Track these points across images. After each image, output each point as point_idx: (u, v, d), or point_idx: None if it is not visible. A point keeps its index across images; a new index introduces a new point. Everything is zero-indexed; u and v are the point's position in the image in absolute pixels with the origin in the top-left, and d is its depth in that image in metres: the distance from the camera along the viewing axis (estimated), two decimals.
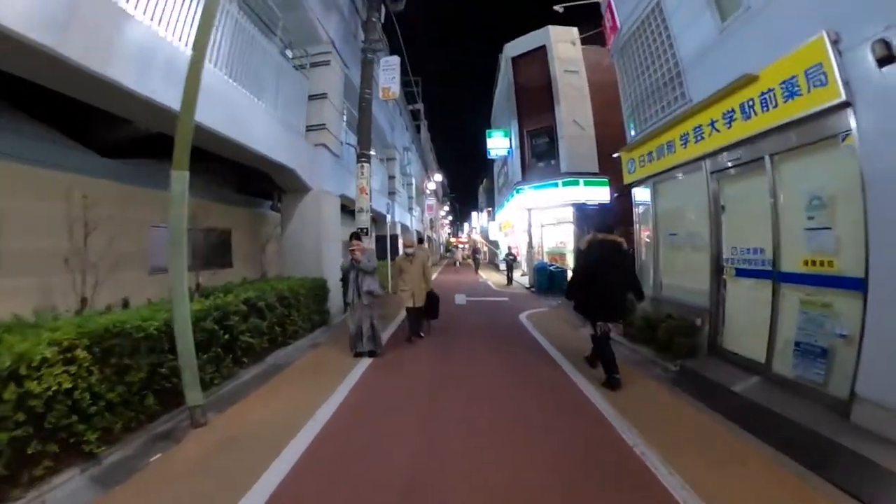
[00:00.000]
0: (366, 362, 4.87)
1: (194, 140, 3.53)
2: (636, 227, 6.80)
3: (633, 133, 6.56)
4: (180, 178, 3.46)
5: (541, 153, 14.97)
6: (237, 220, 7.64)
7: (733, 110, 4.27)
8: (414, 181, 24.81)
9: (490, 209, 44.50)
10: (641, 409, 3.57)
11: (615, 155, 6.98)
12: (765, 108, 3.89)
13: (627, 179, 6.60)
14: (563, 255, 14.30)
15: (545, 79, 14.55)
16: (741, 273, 4.33)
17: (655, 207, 5.83)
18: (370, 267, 5.00)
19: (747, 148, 4.19)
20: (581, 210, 13.60)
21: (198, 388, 3.57)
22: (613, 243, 4.41)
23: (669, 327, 4.91)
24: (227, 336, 4.51)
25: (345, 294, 5.42)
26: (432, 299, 6.32)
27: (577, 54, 14.61)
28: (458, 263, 34.94)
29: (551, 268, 12.41)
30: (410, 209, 23.42)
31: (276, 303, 5.40)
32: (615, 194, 13.88)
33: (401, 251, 15.48)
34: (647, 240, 6.32)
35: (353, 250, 4.94)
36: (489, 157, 16.95)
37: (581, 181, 13.54)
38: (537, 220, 14.69)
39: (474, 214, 66.01)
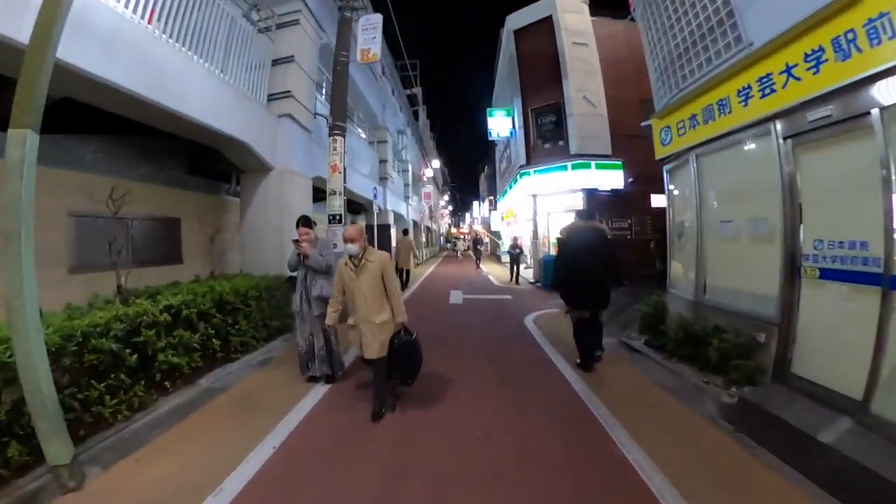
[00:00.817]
0: (319, 391, 3.79)
1: (100, 102, 2.49)
2: (668, 213, 5.66)
3: (663, 99, 5.37)
4: (18, 140, 2.38)
5: (547, 134, 13.75)
6: (189, 207, 6.54)
7: (821, 49, 3.11)
8: (411, 167, 23.60)
9: (491, 198, 43.19)
10: (702, 473, 2.50)
11: (645, 123, 5.80)
12: (874, 42, 2.75)
13: (660, 153, 5.43)
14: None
15: (551, 52, 13.26)
16: (829, 275, 3.20)
17: (700, 187, 4.67)
18: (322, 264, 3.84)
19: (843, 101, 3.04)
20: (592, 196, 12.44)
21: (63, 440, 2.58)
22: (594, 230, 4.41)
23: (723, 346, 3.81)
24: (136, 356, 3.47)
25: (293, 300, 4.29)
26: (408, 351, 3.48)
27: (587, 25, 13.34)
28: (460, 254, 33.89)
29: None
30: (407, 197, 22.25)
31: (212, 309, 4.32)
32: (629, 179, 12.77)
33: (394, 242, 14.49)
34: (684, 230, 5.19)
35: (297, 241, 3.82)
36: (490, 138, 15.71)
37: (593, 164, 12.39)
38: (544, 208, 13.50)
39: (475, 204, 64.76)
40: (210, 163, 6.58)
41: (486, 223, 47.74)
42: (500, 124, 15.33)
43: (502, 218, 21.88)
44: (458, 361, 4.76)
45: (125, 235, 5.35)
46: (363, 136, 13.60)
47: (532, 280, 12.63)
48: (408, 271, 12.03)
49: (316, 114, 6.71)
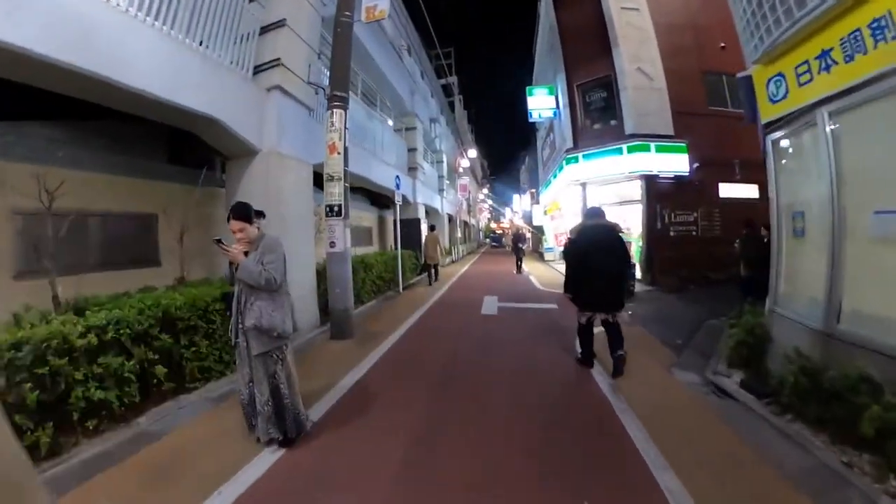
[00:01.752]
0: (266, 459, 2.70)
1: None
2: (773, 199, 4.16)
3: (765, 39, 3.81)
4: None
5: (597, 112, 12.17)
6: (168, 200, 5.82)
7: None
8: (445, 158, 22.54)
9: (533, 191, 41.23)
10: None
11: (741, 75, 4.30)
12: None
13: (769, 113, 3.92)
14: (627, 244, 11.53)
15: (597, 19, 11.70)
16: None
17: (836, 160, 3.17)
18: (259, 277, 2.60)
19: None
20: (652, 184, 10.76)
21: None
22: (605, 228, 4.37)
23: (888, 417, 2.39)
24: (40, 393, 2.68)
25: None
26: None
27: None
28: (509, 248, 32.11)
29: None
30: (441, 190, 21.23)
31: (154, 329, 3.45)
32: (694, 165, 10.98)
33: (422, 234, 13.54)
34: (804, 224, 3.70)
35: (219, 241, 2.73)
36: (530, 119, 14.25)
37: (652, 146, 10.74)
38: (594, 200, 11.95)
39: (515, 198, 62.75)
40: (194, 149, 5.81)
41: (527, 217, 45.76)
42: (542, 104, 13.84)
43: (545, 212, 20.27)
44: (489, 412, 3.42)
45: (70, 234, 4.61)
46: (390, 123, 12.69)
47: None
48: (436, 266, 12.28)
49: (311, 83, 5.72)
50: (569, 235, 4.57)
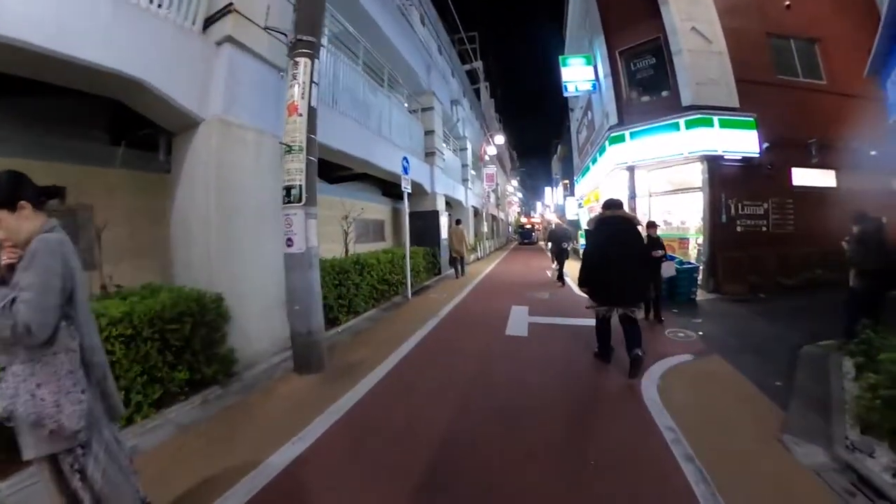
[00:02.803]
0: None
1: None
2: None
3: None
4: None
5: (644, 82, 10.42)
6: (110, 189, 4.75)
7: None
8: (470, 146, 21.06)
9: (566, 181, 38.99)
10: None
11: None
12: None
13: None
14: (683, 242, 9.76)
15: None
16: None
17: None
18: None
19: None
20: (716, 167, 8.99)
21: None
22: (624, 220, 4.36)
23: None
24: None
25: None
26: None
27: None
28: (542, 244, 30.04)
29: (677, 264, 7.95)
30: (465, 180, 19.80)
31: None
32: (764, 144, 9.14)
33: (443, 234, 12.26)
34: None
35: None
36: (565, 93, 12.55)
37: (715, 119, 8.96)
38: (643, 187, 10.24)
39: (547, 190, 60.26)
40: (146, 127, 4.68)
41: (560, 211, 43.48)
42: (578, 75, 12.11)
43: (581, 203, 18.48)
44: None
45: None
46: (402, 102, 11.38)
47: None
48: (462, 258, 12.77)
49: (269, 29, 4.39)
50: (586, 227, 4.48)
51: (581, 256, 4.60)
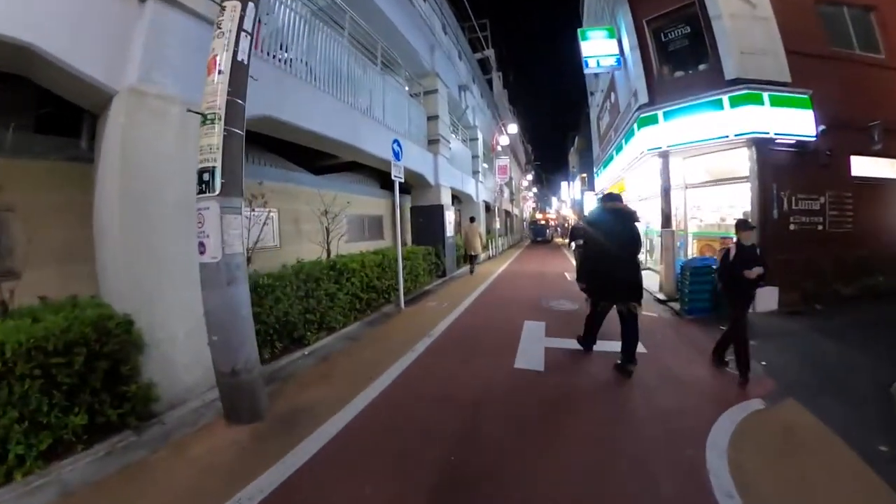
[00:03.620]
0: None
1: None
2: None
3: None
4: None
5: (678, 54, 9.17)
6: (34, 185, 3.87)
7: None
8: (481, 137, 19.93)
9: (584, 175, 37.45)
10: None
11: None
12: None
13: None
14: (724, 241, 8.48)
15: None
16: None
17: None
18: None
19: None
20: (766, 153, 7.73)
21: None
22: (621, 214, 4.31)
23: None
24: None
25: None
26: None
27: None
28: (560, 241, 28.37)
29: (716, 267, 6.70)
30: (476, 173, 18.70)
31: None
32: (820, 127, 7.87)
33: (448, 231, 11.14)
34: None
35: None
36: (586, 70, 11.27)
37: (765, 96, 7.69)
38: (677, 176, 9.00)
39: (563, 185, 58.60)
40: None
41: (577, 206, 41.92)
42: (600, 49, 10.79)
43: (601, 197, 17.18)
44: None
45: None
46: (401, 84, 10.36)
47: (660, 297, 8.29)
48: (474, 256, 12.90)
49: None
50: (582, 221, 4.67)
51: (581, 252, 4.49)
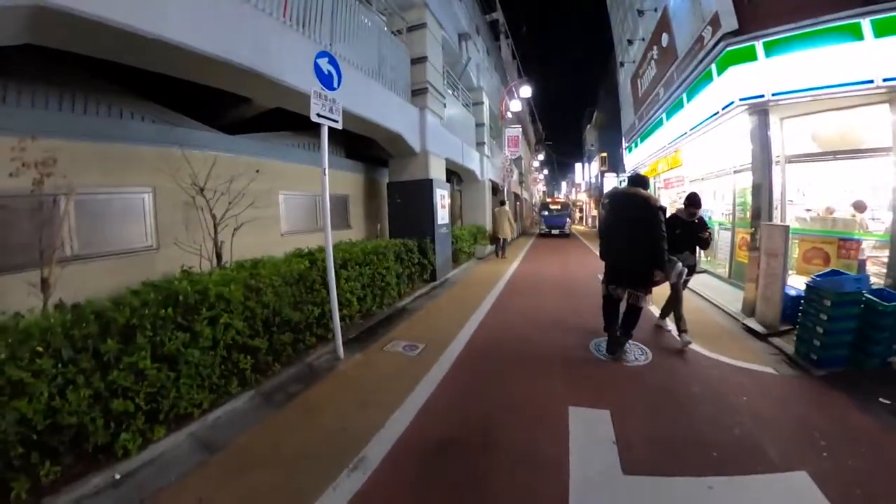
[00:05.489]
0: None
1: None
2: None
3: None
4: None
5: None
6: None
7: None
8: (487, 101, 17.10)
9: (604, 154, 34.29)
10: None
11: None
12: None
13: None
14: (846, 245, 5.74)
15: None
16: None
17: None
18: None
19: None
20: None
21: None
22: (634, 196, 4.25)
23: None
24: None
25: None
26: None
27: None
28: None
29: (872, 294, 4.08)
30: (480, 144, 15.98)
31: None
32: None
33: (440, 217, 8.46)
34: None
35: None
36: None
37: None
38: (778, 144, 6.26)
39: (577, 167, 55.30)
40: None
41: (594, 190, 38.80)
42: None
43: (638, 175, 14.38)
44: None
45: None
46: (382, 19, 7.64)
47: (756, 327, 5.36)
48: (504, 240, 13.67)
49: None
50: (604, 199, 4.58)
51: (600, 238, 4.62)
